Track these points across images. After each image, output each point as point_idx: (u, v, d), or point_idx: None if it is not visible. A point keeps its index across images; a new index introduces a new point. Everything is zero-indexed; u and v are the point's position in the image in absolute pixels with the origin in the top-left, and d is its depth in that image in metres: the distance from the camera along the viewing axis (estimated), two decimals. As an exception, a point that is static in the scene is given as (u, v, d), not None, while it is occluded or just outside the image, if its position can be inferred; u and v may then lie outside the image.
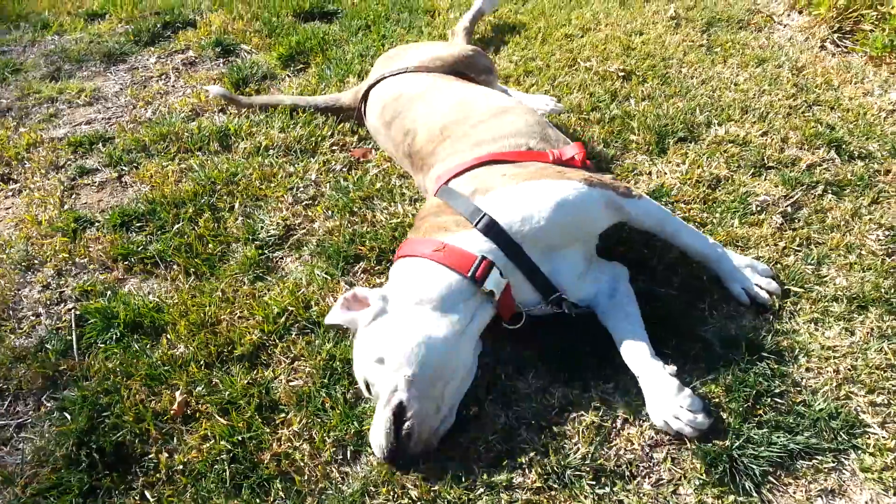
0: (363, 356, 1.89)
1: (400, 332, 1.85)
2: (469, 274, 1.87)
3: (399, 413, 1.77)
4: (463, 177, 2.12)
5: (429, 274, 1.91)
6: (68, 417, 2.02)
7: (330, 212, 2.62)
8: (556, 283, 2.00)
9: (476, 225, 1.93)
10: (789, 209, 2.47)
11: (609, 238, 2.37)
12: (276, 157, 2.88)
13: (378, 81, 2.84)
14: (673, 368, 1.88)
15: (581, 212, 1.99)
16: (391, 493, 1.78)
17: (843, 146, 2.72)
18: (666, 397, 1.82)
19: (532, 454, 1.82)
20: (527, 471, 1.79)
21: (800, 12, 3.70)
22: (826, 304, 2.14)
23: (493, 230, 1.92)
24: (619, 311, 2.04)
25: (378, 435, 1.79)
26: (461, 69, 2.79)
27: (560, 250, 2.02)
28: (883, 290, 2.15)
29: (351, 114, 3.03)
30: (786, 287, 2.19)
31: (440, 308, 1.87)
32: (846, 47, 3.41)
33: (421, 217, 2.15)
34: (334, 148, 2.95)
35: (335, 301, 2.09)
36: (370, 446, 1.84)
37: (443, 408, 1.83)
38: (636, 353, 1.93)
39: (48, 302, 2.39)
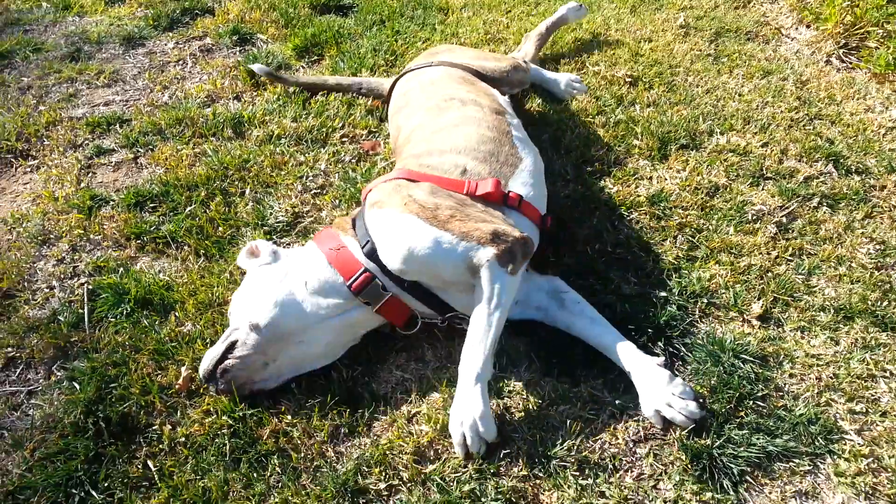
0: (236, 293, 2.13)
1: (268, 285, 2.05)
2: (349, 282, 2.01)
3: (229, 348, 1.98)
4: (382, 186, 2.21)
5: (317, 266, 2.06)
6: (77, 387, 2.10)
7: (337, 201, 2.69)
8: (454, 303, 2.09)
9: (363, 248, 2.05)
10: (784, 219, 2.53)
11: (606, 240, 2.45)
12: (288, 146, 2.95)
13: (404, 74, 2.93)
14: (661, 359, 1.96)
15: (437, 265, 1.98)
16: (383, 474, 1.86)
17: (841, 160, 2.78)
18: (657, 387, 1.90)
19: (520, 444, 1.90)
20: (514, 459, 1.87)
21: (807, 27, 3.75)
22: (813, 313, 2.21)
23: (374, 258, 2.03)
24: (581, 317, 2.12)
25: (206, 356, 2.01)
26: (491, 81, 2.85)
27: (447, 288, 2.08)
28: (870, 303, 2.22)
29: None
30: (775, 296, 2.26)
31: (313, 290, 2.03)
32: (851, 63, 3.46)
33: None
34: (344, 139, 3.03)
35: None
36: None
37: (271, 367, 2.02)
38: (622, 350, 2.02)
39: (62, 276, 2.47)
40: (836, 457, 1.84)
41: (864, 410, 1.94)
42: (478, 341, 1.91)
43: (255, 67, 3.31)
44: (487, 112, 2.47)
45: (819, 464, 1.84)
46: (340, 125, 3.08)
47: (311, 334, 2.02)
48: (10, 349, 2.24)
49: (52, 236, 2.61)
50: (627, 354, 2.00)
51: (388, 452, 1.90)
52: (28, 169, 2.94)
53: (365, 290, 2.00)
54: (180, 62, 3.61)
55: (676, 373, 2.04)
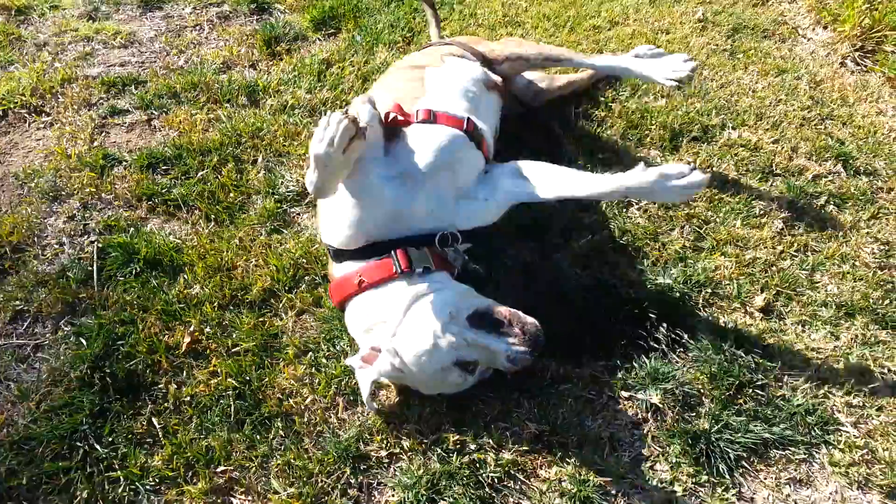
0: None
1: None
2: None
3: None
4: None
5: None
6: (84, 343, 2.12)
7: (348, 174, 2.70)
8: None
9: None
10: (791, 216, 2.55)
11: (613, 227, 2.46)
12: (301, 117, 2.96)
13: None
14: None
15: None
16: (384, 442, 1.89)
17: (851, 161, 2.80)
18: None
19: (523, 419, 1.93)
20: (517, 434, 1.90)
21: (824, 28, 3.75)
22: (815, 308, 2.23)
23: None
24: (536, 176, 2.11)
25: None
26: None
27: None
28: (871, 301, 2.24)
29: None
30: (778, 290, 2.28)
31: None
32: (866, 66, 3.46)
33: None
34: (358, 114, 3.03)
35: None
36: None
37: None
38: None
39: (72, 232, 2.48)
40: (831, 447, 1.88)
41: (861, 404, 1.97)
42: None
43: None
44: (407, 68, 2.52)
45: (814, 453, 1.87)
46: (354, 99, 3.08)
47: None
48: (18, 302, 2.26)
49: (63, 193, 2.62)
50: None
51: (390, 421, 1.93)
52: (42, 125, 2.94)
53: None
54: (197, 27, 3.60)
55: (678, 363, 2.07)
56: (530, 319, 1.80)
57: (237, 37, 3.49)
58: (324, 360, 2.08)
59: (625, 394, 1.99)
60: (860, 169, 2.78)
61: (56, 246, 2.44)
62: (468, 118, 2.16)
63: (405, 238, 1.96)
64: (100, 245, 2.41)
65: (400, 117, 2.08)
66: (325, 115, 1.78)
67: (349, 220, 1.96)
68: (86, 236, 2.47)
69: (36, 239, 2.46)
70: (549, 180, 2.08)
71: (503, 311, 1.83)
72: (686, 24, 3.73)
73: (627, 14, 3.79)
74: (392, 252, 1.94)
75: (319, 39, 3.56)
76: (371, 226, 1.95)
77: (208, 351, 2.11)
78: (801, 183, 2.68)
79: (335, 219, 2.01)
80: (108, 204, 2.59)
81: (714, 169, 2.72)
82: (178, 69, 3.24)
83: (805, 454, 1.86)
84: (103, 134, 2.88)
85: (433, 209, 1.98)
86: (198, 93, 3.07)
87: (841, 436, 1.90)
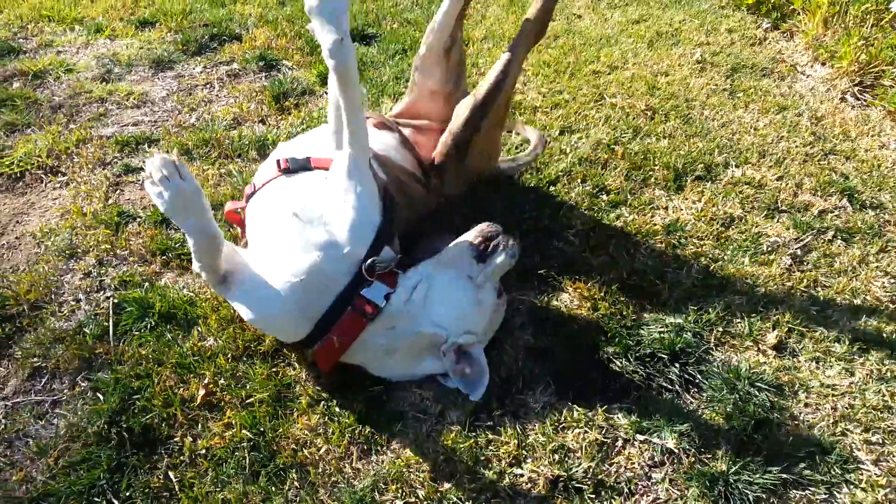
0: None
1: None
2: None
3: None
4: None
5: None
6: (101, 397, 2.14)
7: (358, 223, 2.74)
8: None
9: None
10: (799, 252, 2.56)
11: (621, 268, 2.48)
12: (310, 169, 3.01)
13: None
14: None
15: None
16: (399, 491, 1.88)
17: (856, 195, 2.82)
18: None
19: (537, 465, 1.91)
20: (532, 480, 1.89)
21: (822, 64, 3.82)
22: (828, 344, 2.23)
23: None
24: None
25: None
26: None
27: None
28: (885, 335, 2.23)
29: None
30: (790, 326, 2.28)
31: None
32: (866, 101, 3.51)
33: None
34: (366, 164, 3.08)
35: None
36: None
37: None
38: None
39: (88, 289, 2.52)
40: (852, 486, 1.85)
41: (881, 441, 1.95)
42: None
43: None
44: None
45: (835, 493, 1.84)
46: (362, 150, 3.14)
47: None
48: (36, 359, 2.29)
49: (79, 250, 2.67)
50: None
51: (404, 470, 1.92)
52: (58, 185, 3.01)
53: None
54: (208, 85, 3.71)
55: (692, 403, 2.06)
56: (484, 225, 2.12)
57: (247, 93, 3.59)
58: (337, 409, 2.08)
59: (640, 437, 1.98)
60: (866, 203, 2.80)
61: (72, 303, 2.48)
62: (276, 160, 2.20)
63: (350, 286, 1.95)
64: (115, 300, 2.45)
65: (238, 210, 2.22)
66: (143, 179, 1.85)
67: (283, 324, 2.00)
68: (101, 292, 2.51)
69: (53, 296, 2.50)
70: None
71: (475, 240, 2.09)
72: (685, 65, 3.80)
73: (626, 58, 3.88)
74: (350, 307, 1.94)
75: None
76: (304, 312, 1.96)
77: (223, 403, 2.12)
78: (807, 218, 2.70)
79: (275, 331, 2.08)
80: (123, 260, 2.63)
81: (719, 207, 2.74)
82: (190, 126, 3.33)
83: (826, 494, 1.84)
84: (118, 192, 2.95)
85: (323, 251, 1.93)
86: (209, 149, 3.15)
87: (862, 475, 1.88)
